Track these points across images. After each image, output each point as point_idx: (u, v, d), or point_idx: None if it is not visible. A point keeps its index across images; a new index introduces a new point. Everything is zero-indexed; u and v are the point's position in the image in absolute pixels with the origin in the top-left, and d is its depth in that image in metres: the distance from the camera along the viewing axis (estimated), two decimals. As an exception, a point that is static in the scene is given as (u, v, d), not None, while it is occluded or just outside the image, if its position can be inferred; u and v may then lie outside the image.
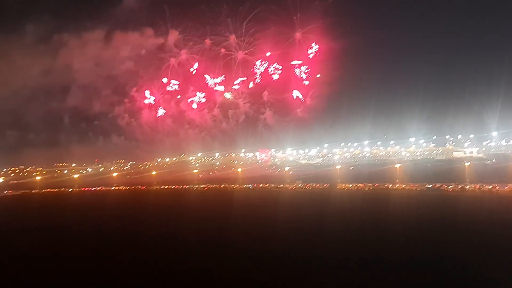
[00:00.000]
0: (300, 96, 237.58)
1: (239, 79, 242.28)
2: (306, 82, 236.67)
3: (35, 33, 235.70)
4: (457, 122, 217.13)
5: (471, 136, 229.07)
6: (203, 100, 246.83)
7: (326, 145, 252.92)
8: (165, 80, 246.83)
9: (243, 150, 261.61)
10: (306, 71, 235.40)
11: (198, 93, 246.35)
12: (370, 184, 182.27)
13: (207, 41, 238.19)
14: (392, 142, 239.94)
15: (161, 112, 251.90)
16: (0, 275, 79.58)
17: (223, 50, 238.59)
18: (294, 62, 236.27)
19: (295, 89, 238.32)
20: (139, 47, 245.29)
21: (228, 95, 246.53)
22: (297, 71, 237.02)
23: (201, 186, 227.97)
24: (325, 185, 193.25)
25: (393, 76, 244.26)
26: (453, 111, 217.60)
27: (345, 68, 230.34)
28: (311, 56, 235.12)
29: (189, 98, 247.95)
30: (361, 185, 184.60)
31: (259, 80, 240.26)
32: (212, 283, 68.55)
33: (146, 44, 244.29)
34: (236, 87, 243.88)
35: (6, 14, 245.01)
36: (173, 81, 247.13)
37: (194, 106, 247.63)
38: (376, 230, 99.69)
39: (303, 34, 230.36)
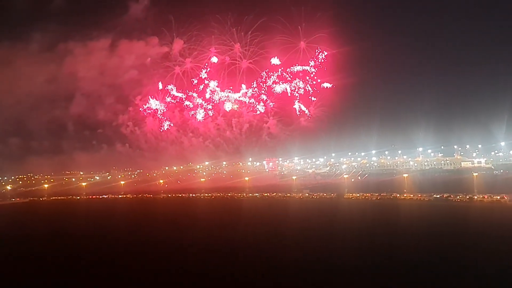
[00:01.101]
0: (305, 110, 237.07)
1: (244, 90, 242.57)
2: (313, 98, 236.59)
3: (43, 41, 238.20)
4: (465, 132, 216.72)
5: (479, 146, 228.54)
6: (210, 113, 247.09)
7: (333, 155, 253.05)
8: (171, 87, 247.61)
9: (250, 159, 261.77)
10: (312, 83, 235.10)
11: (204, 104, 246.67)
12: (377, 194, 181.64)
13: (212, 50, 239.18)
14: (399, 151, 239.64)
15: (166, 125, 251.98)
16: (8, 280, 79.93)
17: (228, 59, 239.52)
18: (297, 68, 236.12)
19: (299, 102, 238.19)
20: (147, 56, 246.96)
21: (234, 107, 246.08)
22: (301, 84, 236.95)
23: (208, 194, 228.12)
24: (332, 194, 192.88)
25: (401, 85, 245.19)
26: (461, 121, 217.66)
27: (351, 77, 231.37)
28: (314, 69, 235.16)
29: (194, 109, 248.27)
30: (368, 194, 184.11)
31: (264, 97, 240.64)
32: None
33: (152, 53, 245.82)
34: (242, 98, 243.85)
35: (13, 23, 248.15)
36: (174, 92, 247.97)
37: (200, 117, 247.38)
38: (384, 239, 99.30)
39: (308, 44, 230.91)
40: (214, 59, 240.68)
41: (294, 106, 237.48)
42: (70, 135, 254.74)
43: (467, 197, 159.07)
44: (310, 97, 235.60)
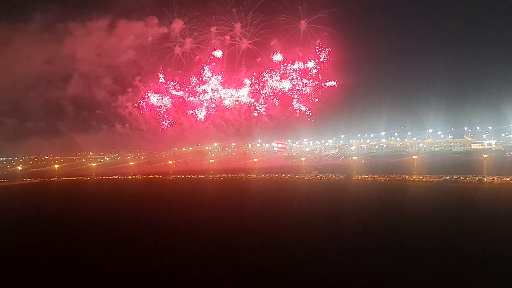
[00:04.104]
0: (307, 111, 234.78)
1: (246, 89, 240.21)
2: (315, 100, 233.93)
3: (42, 21, 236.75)
4: (475, 113, 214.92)
5: (490, 127, 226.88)
6: (213, 111, 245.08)
7: (342, 136, 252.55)
8: (172, 84, 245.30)
9: (259, 141, 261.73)
10: (313, 83, 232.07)
11: (205, 103, 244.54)
12: (386, 175, 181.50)
13: (213, 30, 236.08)
14: (409, 133, 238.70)
15: (166, 124, 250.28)
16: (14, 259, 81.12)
17: (228, 38, 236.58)
18: (295, 67, 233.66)
19: (299, 103, 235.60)
20: (146, 36, 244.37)
21: (235, 104, 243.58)
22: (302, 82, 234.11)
23: (217, 175, 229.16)
24: (341, 176, 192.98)
25: (411, 67, 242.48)
26: (471, 103, 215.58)
27: (361, 59, 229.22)
28: (316, 69, 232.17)
29: (194, 108, 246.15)
30: (376, 176, 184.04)
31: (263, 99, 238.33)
32: (228, 271, 69.00)
33: (152, 33, 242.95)
34: (242, 98, 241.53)
35: (11, 2, 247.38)
36: (174, 92, 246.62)
37: (201, 115, 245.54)
38: (392, 221, 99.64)
39: (308, 24, 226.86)
40: (218, 54, 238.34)
41: (293, 106, 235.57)
42: (73, 116, 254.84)
43: (477, 179, 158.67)
44: (312, 99, 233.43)
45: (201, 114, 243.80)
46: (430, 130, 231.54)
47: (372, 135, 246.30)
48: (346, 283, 62.35)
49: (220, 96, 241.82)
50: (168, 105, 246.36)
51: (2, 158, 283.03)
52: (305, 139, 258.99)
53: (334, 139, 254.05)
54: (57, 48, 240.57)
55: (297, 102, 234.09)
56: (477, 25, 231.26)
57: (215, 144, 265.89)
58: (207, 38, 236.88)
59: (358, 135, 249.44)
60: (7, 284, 68.20)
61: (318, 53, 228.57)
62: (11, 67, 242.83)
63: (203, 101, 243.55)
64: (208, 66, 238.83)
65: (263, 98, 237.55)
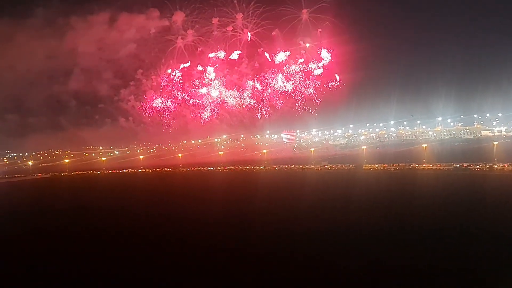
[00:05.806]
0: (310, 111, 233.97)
1: (249, 91, 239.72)
2: (319, 99, 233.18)
3: (43, 16, 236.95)
4: (485, 100, 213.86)
5: (500, 114, 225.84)
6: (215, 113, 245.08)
7: (351, 126, 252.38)
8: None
9: (268, 132, 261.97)
10: (317, 84, 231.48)
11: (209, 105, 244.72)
12: (396, 164, 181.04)
13: (214, 21, 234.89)
14: (418, 122, 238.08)
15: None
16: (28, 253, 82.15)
17: (230, 29, 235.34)
18: (295, 69, 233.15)
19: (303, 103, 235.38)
20: (148, 29, 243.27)
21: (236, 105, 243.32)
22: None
23: (227, 167, 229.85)
24: (350, 165, 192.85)
25: (420, 54, 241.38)
26: (481, 90, 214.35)
27: (367, 48, 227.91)
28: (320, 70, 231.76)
29: (197, 109, 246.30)
30: (385, 165, 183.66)
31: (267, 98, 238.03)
32: (240, 263, 69.41)
33: (153, 26, 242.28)
34: (245, 100, 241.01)
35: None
36: (177, 94, 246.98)
37: (205, 116, 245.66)
38: (402, 208, 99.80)
39: (310, 14, 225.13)
40: (221, 55, 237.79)
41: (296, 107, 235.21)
42: (76, 111, 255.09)
43: (487, 166, 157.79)
44: (315, 99, 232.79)
45: (205, 115, 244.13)
46: (440, 118, 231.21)
47: (381, 124, 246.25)
48: (353, 268, 62.63)
49: (222, 99, 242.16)
50: (171, 108, 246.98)
51: (13, 154, 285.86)
52: (313, 130, 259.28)
53: (343, 129, 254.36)
54: (59, 43, 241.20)
55: (300, 103, 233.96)
56: (485, 12, 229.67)
57: (224, 136, 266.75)
58: (209, 30, 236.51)
59: (367, 124, 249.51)
60: (26, 274, 69.54)
61: (319, 54, 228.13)
62: (13, 63, 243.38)
63: (206, 103, 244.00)
64: (212, 68, 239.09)
65: (266, 100, 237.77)
